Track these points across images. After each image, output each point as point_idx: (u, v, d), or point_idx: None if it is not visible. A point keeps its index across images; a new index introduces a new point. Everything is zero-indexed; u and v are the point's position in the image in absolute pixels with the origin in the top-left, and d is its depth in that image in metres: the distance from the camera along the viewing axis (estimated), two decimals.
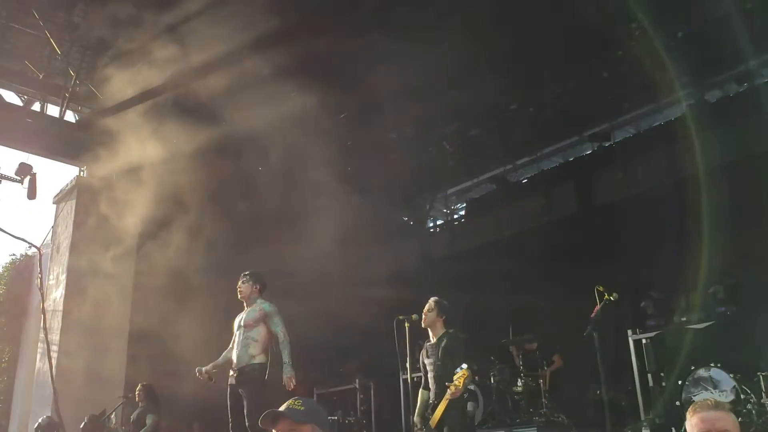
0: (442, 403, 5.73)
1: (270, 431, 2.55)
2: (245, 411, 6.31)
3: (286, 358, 6.57)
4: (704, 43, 9.68)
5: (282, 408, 2.56)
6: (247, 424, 6.22)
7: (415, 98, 10.52)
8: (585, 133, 12.35)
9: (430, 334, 6.23)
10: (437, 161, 12.94)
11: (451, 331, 6.15)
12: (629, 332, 8.31)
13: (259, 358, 6.59)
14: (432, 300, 6.26)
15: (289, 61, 9.61)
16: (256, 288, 6.84)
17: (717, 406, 2.68)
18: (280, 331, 6.67)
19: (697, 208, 9.37)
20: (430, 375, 6.10)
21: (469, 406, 7.57)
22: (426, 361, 6.18)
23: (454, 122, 12.23)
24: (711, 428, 2.61)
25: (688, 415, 2.68)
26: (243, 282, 6.86)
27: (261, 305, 6.77)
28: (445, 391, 5.70)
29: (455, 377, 5.62)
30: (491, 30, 9.72)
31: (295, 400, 2.60)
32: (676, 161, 10.53)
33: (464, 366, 5.64)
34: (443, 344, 6.01)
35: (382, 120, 11.35)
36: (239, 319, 6.90)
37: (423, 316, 6.18)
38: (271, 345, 6.69)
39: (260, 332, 6.67)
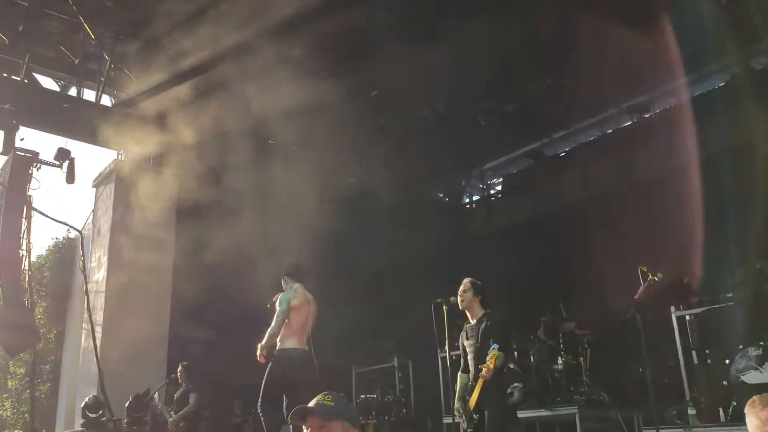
0: (477, 386, 5.69)
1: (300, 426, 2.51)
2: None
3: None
4: (751, 9, 9.30)
5: (311, 404, 2.51)
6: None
7: (450, 73, 10.37)
8: (623, 105, 12.04)
9: (469, 315, 6.15)
10: (473, 136, 12.77)
11: (489, 311, 6.07)
12: (672, 308, 8.12)
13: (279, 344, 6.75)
14: (466, 281, 6.16)
15: (321, 40, 9.52)
16: (285, 280, 7.13)
17: None
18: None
19: (743, 182, 9.09)
20: (469, 357, 6.02)
21: (516, 392, 7.48)
22: (466, 343, 6.11)
23: (489, 97, 12.04)
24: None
25: (754, 409, 2.49)
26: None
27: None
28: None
29: (487, 358, 5.58)
30: (526, 3, 9.50)
31: (325, 395, 2.54)
32: (720, 132, 10.20)
33: (496, 346, 5.57)
34: (483, 326, 5.92)
35: (416, 96, 11.20)
36: None
37: (459, 298, 6.11)
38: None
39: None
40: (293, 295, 6.84)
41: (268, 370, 6.72)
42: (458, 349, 6.36)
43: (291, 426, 6.36)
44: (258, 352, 6.68)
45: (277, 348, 6.75)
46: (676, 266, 8.90)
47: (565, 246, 10.73)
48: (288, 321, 6.74)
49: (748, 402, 2.50)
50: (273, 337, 6.69)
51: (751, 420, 2.47)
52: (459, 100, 11.68)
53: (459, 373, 6.16)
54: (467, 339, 6.09)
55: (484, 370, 5.57)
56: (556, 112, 12.03)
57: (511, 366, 8.36)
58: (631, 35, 10.17)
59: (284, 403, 6.65)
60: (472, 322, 6.08)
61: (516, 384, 7.67)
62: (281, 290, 7.10)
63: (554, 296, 10.12)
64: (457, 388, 6.10)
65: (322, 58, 10.09)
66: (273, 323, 6.71)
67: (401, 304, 11.69)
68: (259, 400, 6.79)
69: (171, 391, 10.52)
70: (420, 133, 12.12)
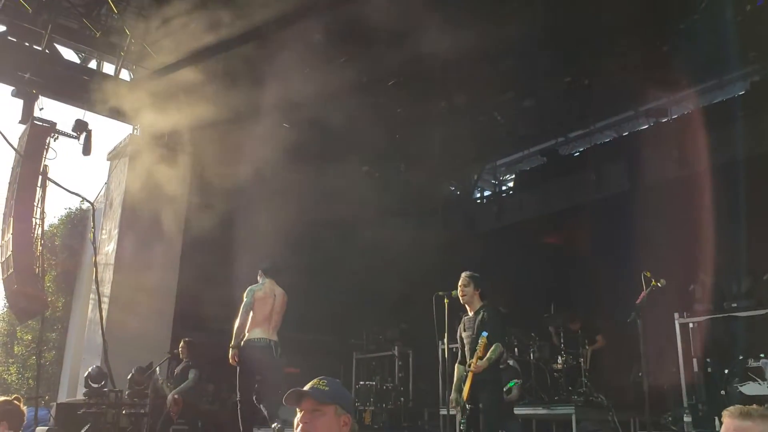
0: (468, 377, 5.76)
1: (294, 409, 2.55)
2: None
3: None
4: None
5: (306, 387, 2.55)
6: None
7: (469, 66, 10.34)
8: (641, 108, 11.97)
9: (468, 308, 6.19)
10: (488, 131, 12.75)
11: (486, 303, 6.11)
12: (676, 315, 8.12)
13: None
14: (465, 275, 6.19)
15: (339, 26, 9.51)
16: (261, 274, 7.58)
17: (745, 414, 2.43)
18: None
19: (754, 192, 9.05)
20: (466, 348, 6.08)
21: (515, 388, 7.56)
22: (463, 335, 6.16)
23: (507, 92, 11.99)
24: None
25: (724, 417, 2.51)
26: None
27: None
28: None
29: (476, 347, 5.63)
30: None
31: (321, 379, 2.58)
32: (735, 141, 10.13)
33: (484, 334, 5.64)
34: (480, 318, 5.97)
35: (434, 87, 11.18)
36: None
37: (460, 292, 6.15)
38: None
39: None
40: (259, 288, 7.32)
41: (238, 362, 7.08)
42: (458, 342, 6.41)
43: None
44: (230, 354, 7.08)
45: (243, 339, 7.14)
46: (682, 273, 8.89)
47: (572, 246, 10.72)
48: (253, 312, 7.17)
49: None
50: (240, 330, 7.09)
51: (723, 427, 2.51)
52: (477, 93, 11.63)
53: (456, 364, 6.21)
54: (465, 330, 6.14)
55: (472, 363, 5.66)
56: (573, 112, 11.96)
57: (511, 363, 8.40)
58: (652, 38, 10.11)
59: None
60: (470, 314, 6.13)
61: (515, 380, 7.73)
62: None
63: (557, 295, 10.14)
64: (455, 380, 6.16)
65: (343, 44, 10.08)
66: (239, 316, 7.14)
67: (406, 294, 11.75)
68: (244, 394, 7.09)
69: (173, 366, 10.64)
70: (436, 124, 12.11)
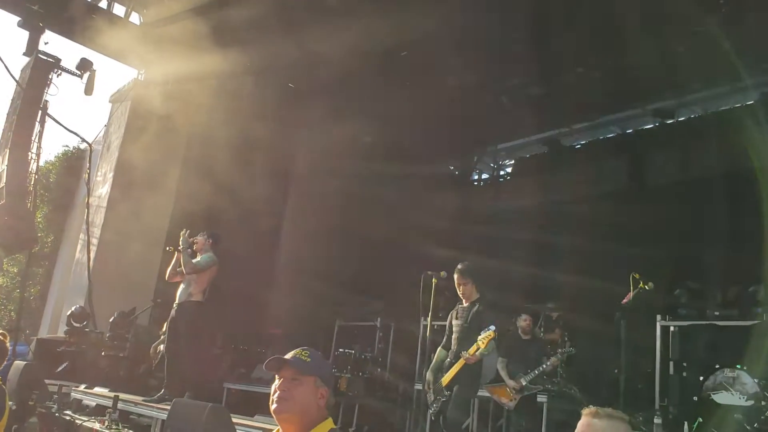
0: (456, 365, 5.82)
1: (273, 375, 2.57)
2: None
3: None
4: None
5: (288, 356, 2.57)
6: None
7: (481, 47, 10.24)
8: (649, 107, 11.89)
9: (463, 298, 6.23)
10: (493, 114, 12.67)
11: (482, 295, 6.16)
12: (658, 317, 8.19)
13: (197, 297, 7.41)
14: (461, 271, 6.18)
15: None
16: (209, 242, 7.66)
17: (595, 415, 2.70)
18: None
19: (751, 204, 9.06)
20: (454, 336, 6.13)
21: (499, 362, 7.65)
22: (454, 322, 6.22)
23: (516, 77, 11.90)
24: None
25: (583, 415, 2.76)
26: (199, 235, 7.72)
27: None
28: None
29: (480, 337, 5.68)
30: None
31: (303, 350, 2.59)
32: (738, 150, 10.11)
33: (492, 327, 5.67)
34: (474, 309, 6.03)
35: (444, 63, 11.07)
36: None
37: (458, 290, 6.19)
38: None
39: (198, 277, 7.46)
40: (214, 263, 7.52)
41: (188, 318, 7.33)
42: (440, 320, 6.46)
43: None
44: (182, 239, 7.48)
45: (186, 300, 7.40)
46: (670, 278, 8.95)
47: (564, 238, 10.74)
48: (199, 278, 7.40)
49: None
50: (193, 266, 7.34)
51: None
52: (486, 75, 11.53)
53: (440, 348, 6.26)
54: (456, 318, 6.19)
55: (470, 352, 5.70)
56: (580, 103, 11.87)
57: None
58: (669, 38, 10.01)
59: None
60: (465, 304, 6.17)
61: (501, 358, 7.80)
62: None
63: (542, 286, 10.19)
64: (433, 361, 6.21)
65: (360, 6, 9.96)
66: (200, 262, 7.40)
67: (395, 268, 11.79)
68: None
69: (156, 313, 10.69)
70: (442, 102, 12.02)
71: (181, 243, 7.49)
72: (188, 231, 7.65)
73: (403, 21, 9.65)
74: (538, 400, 7.76)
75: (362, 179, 12.74)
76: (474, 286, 6.15)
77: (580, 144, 13.48)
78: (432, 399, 6.03)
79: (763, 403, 6.05)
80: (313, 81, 11.78)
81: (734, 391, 6.29)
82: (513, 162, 15.12)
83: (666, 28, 9.66)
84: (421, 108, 11.94)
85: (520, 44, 10.28)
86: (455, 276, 6.17)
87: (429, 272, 6.37)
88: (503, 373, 7.59)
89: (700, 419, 6.53)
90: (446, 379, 5.91)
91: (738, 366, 6.40)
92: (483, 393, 7.80)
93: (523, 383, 7.32)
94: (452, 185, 15.14)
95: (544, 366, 7.41)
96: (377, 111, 12.06)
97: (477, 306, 6.04)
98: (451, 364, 5.93)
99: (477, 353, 5.76)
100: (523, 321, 7.89)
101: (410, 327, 10.49)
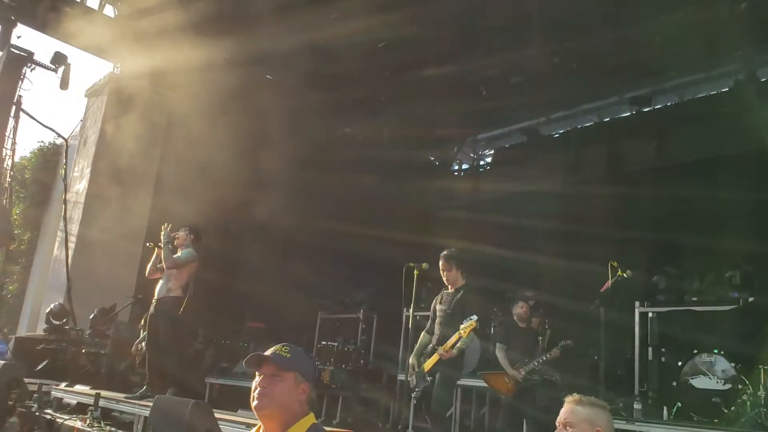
0: (434, 356, 5.87)
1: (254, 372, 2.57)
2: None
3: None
4: (766, 18, 9.22)
5: (268, 352, 2.57)
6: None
7: (461, 36, 10.24)
8: (625, 95, 11.98)
9: (449, 285, 6.26)
10: (472, 104, 12.67)
11: (468, 283, 6.19)
12: (636, 303, 8.27)
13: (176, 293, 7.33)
14: (444, 257, 6.20)
15: None
16: (190, 237, 7.60)
17: (578, 402, 2.82)
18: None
19: (728, 189, 9.17)
20: (437, 321, 6.17)
21: (498, 349, 7.63)
22: (437, 307, 6.26)
23: (496, 67, 11.91)
24: (560, 420, 2.82)
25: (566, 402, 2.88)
26: (181, 230, 7.67)
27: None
28: (446, 340, 5.84)
29: (462, 326, 5.71)
30: None
31: (283, 346, 2.59)
32: (714, 137, 10.22)
33: (474, 317, 5.70)
34: (459, 296, 6.06)
35: (424, 53, 11.05)
36: None
37: (443, 276, 6.21)
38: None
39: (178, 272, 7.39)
40: (195, 259, 7.46)
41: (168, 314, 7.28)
42: (422, 311, 6.48)
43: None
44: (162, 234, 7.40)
45: (166, 295, 7.33)
46: (649, 264, 9.04)
47: (543, 226, 10.80)
48: (179, 274, 7.33)
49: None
50: (173, 261, 7.26)
51: None
52: (466, 65, 11.52)
53: (423, 332, 6.30)
54: (440, 303, 6.23)
55: (446, 346, 5.76)
56: (557, 92, 11.92)
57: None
58: (644, 27, 10.07)
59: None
60: (450, 290, 6.19)
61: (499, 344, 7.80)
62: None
63: (524, 273, 10.25)
64: (417, 345, 6.26)
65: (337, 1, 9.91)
66: (180, 257, 7.33)
67: (377, 259, 11.79)
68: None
69: (137, 310, 10.61)
70: (421, 92, 12.02)
71: (162, 237, 7.43)
72: (170, 225, 7.58)
73: (381, 12, 9.63)
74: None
75: (343, 170, 12.72)
76: (459, 273, 6.17)
77: (559, 133, 13.55)
78: (414, 383, 6.09)
79: (739, 386, 6.14)
80: (292, 72, 11.70)
81: (712, 376, 6.39)
82: (493, 152, 15.17)
83: (641, 17, 9.73)
84: (401, 99, 11.93)
85: (499, 34, 10.32)
86: (440, 262, 6.19)
87: (411, 263, 6.40)
88: (504, 362, 7.45)
89: (679, 404, 6.63)
90: (428, 365, 5.96)
91: (715, 350, 6.49)
92: (465, 382, 7.83)
93: (522, 373, 7.24)
94: (433, 175, 15.16)
95: (544, 358, 7.31)
96: (358, 102, 12.03)
97: (461, 292, 6.07)
98: (434, 350, 5.98)
99: (454, 349, 5.80)
100: (520, 308, 7.76)
101: (393, 317, 10.52)
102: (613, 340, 7.73)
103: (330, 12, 10.00)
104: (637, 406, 6.97)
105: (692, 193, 9.53)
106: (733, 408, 6.09)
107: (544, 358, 7.29)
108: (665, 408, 6.81)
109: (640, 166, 11.54)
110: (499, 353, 7.57)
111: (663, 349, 7.61)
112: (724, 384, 6.29)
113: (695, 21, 9.21)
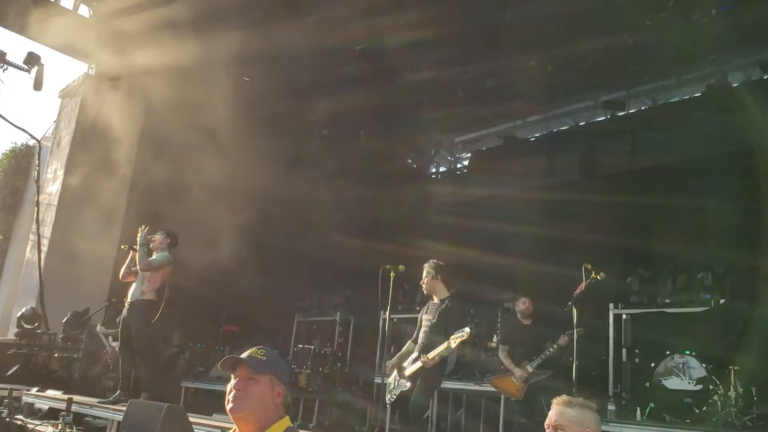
0: (417, 364, 5.90)
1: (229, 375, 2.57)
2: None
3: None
4: (736, 24, 9.38)
5: (243, 355, 2.57)
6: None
7: (438, 40, 10.28)
8: (600, 99, 12.11)
9: (434, 296, 6.32)
10: (449, 107, 12.73)
11: (453, 293, 6.23)
12: (611, 305, 8.37)
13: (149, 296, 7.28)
14: (426, 265, 6.30)
15: None
16: (166, 241, 7.56)
17: (568, 404, 2.85)
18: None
19: (700, 192, 9.32)
20: (422, 330, 6.20)
21: (501, 351, 7.60)
22: (423, 317, 6.31)
23: (472, 70, 11.97)
24: (549, 423, 2.85)
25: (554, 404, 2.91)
26: (158, 233, 7.61)
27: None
28: (429, 350, 5.88)
29: (453, 337, 5.73)
30: None
31: (259, 349, 2.61)
32: (687, 141, 10.37)
33: (467, 330, 5.69)
34: (443, 306, 6.10)
35: (398, 59, 11.08)
36: None
37: (423, 284, 6.28)
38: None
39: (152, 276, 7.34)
40: (170, 263, 7.42)
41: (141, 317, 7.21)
42: (399, 313, 6.49)
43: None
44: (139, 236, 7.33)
45: (139, 298, 7.27)
46: (622, 266, 9.14)
47: (519, 229, 10.87)
48: (152, 277, 7.29)
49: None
50: (148, 263, 7.21)
51: None
52: (443, 68, 11.57)
53: (409, 341, 6.36)
54: (426, 314, 6.28)
55: (431, 356, 5.80)
56: (533, 96, 12.01)
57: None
58: (619, 31, 10.19)
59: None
60: (436, 300, 6.23)
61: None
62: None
63: (499, 276, 10.32)
64: (402, 351, 6.31)
65: (314, 4, 9.89)
66: (155, 260, 7.29)
67: (354, 262, 11.78)
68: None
69: (110, 313, 10.49)
70: (399, 95, 12.05)
71: (138, 239, 7.35)
72: (147, 228, 7.51)
73: (358, 16, 9.65)
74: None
75: (320, 173, 12.70)
76: (438, 281, 6.21)
77: (534, 137, 13.66)
78: (392, 387, 6.10)
79: (711, 387, 6.24)
80: (269, 75, 11.67)
81: (684, 376, 6.48)
82: (470, 155, 15.25)
83: (616, 21, 9.85)
84: (379, 103, 11.94)
85: (475, 39, 10.37)
86: (424, 272, 6.29)
87: (387, 266, 6.42)
88: (507, 362, 7.36)
89: (652, 404, 6.72)
90: (410, 371, 6.00)
91: (687, 352, 6.59)
92: (444, 386, 7.83)
93: (530, 370, 7.15)
94: (410, 179, 15.20)
95: (551, 350, 7.15)
96: (335, 105, 12.00)
97: (446, 303, 6.11)
98: (417, 359, 6.01)
99: (437, 357, 5.83)
100: (522, 305, 7.62)
101: (370, 320, 10.52)
102: (587, 341, 7.79)
103: (306, 18, 10.01)
104: (610, 407, 7.06)
105: (665, 196, 9.67)
106: (704, 408, 6.19)
107: (551, 351, 7.15)
108: (638, 408, 6.89)
109: (614, 169, 11.65)
110: (501, 354, 7.53)
111: (636, 351, 7.72)
112: (695, 385, 6.39)
113: (668, 27, 9.33)
